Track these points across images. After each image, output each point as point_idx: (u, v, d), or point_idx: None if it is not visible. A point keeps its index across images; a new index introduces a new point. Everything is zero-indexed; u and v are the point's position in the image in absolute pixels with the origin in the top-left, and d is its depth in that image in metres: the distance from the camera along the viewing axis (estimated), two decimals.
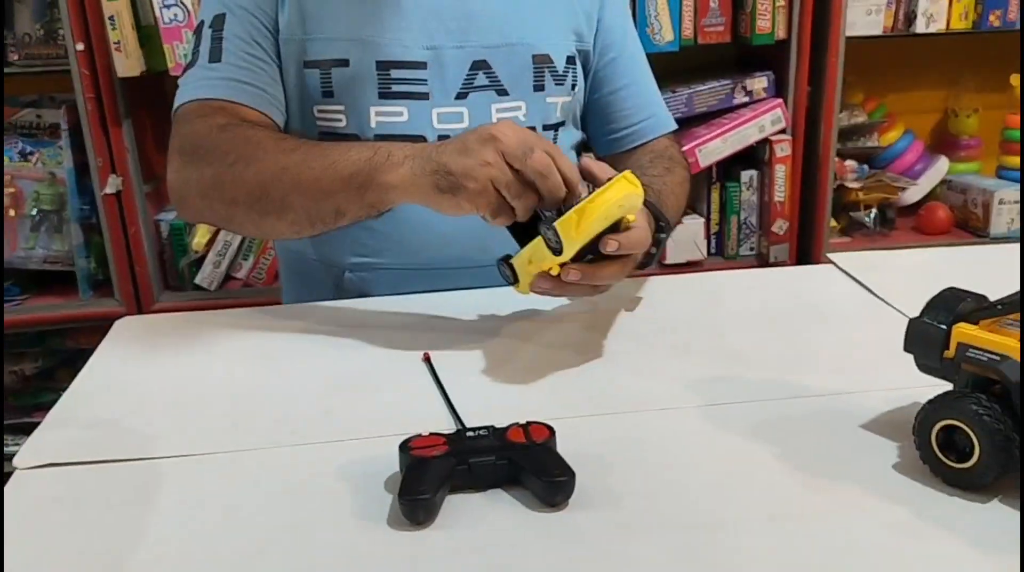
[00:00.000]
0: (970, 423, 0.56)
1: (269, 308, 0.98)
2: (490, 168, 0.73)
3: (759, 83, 1.81)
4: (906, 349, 0.62)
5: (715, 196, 1.87)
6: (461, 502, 0.59)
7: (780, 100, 1.80)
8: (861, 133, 2.03)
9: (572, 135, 1.10)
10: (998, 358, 0.57)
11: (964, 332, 0.59)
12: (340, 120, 0.99)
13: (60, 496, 0.63)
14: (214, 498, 0.62)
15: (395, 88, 0.98)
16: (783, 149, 1.81)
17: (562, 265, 0.74)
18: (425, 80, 0.98)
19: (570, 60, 1.05)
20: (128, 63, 1.61)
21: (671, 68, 1.89)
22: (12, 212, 1.76)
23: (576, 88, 1.07)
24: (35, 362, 1.87)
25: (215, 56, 0.96)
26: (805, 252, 1.90)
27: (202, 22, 0.99)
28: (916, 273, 1.03)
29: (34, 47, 1.70)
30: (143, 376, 0.82)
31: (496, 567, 0.53)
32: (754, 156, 1.86)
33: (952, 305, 0.61)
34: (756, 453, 0.64)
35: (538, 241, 0.74)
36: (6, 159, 1.78)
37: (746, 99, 1.82)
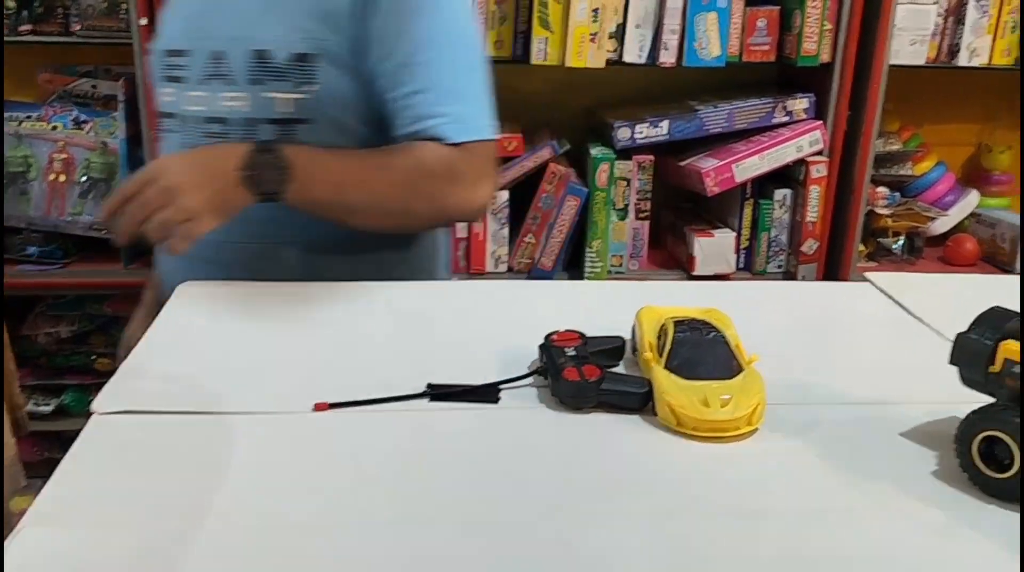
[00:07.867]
0: (1013, 435, 0.59)
1: (314, 284, 1.01)
2: None
3: (800, 104, 1.84)
4: (952, 362, 0.65)
5: (747, 212, 1.90)
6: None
7: (820, 122, 1.83)
8: (895, 161, 2.06)
9: (320, 131, 1.05)
10: None
11: (1011, 348, 0.62)
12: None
13: (139, 441, 0.67)
14: (284, 454, 0.66)
15: (168, 73, 1.13)
16: (819, 170, 1.84)
17: None
18: (185, 66, 1.10)
19: (302, 57, 1.03)
20: None
21: (714, 83, 1.93)
22: (63, 178, 1.81)
23: (319, 87, 1.03)
24: (71, 326, 1.91)
25: None
26: (832, 274, 1.93)
27: None
28: (948, 296, 1.05)
29: (96, 19, 1.74)
30: (207, 337, 0.86)
31: None
32: (788, 175, 1.89)
33: (999, 323, 0.64)
34: (801, 452, 0.67)
35: None
36: (59, 125, 1.83)
37: (786, 119, 1.85)
